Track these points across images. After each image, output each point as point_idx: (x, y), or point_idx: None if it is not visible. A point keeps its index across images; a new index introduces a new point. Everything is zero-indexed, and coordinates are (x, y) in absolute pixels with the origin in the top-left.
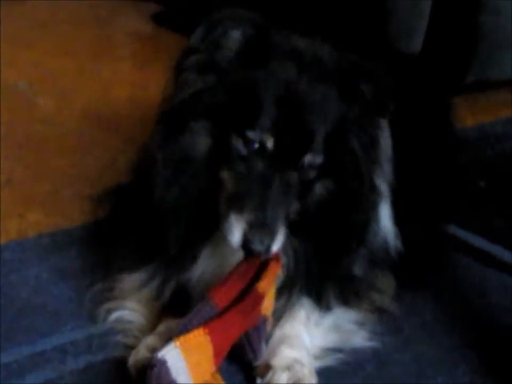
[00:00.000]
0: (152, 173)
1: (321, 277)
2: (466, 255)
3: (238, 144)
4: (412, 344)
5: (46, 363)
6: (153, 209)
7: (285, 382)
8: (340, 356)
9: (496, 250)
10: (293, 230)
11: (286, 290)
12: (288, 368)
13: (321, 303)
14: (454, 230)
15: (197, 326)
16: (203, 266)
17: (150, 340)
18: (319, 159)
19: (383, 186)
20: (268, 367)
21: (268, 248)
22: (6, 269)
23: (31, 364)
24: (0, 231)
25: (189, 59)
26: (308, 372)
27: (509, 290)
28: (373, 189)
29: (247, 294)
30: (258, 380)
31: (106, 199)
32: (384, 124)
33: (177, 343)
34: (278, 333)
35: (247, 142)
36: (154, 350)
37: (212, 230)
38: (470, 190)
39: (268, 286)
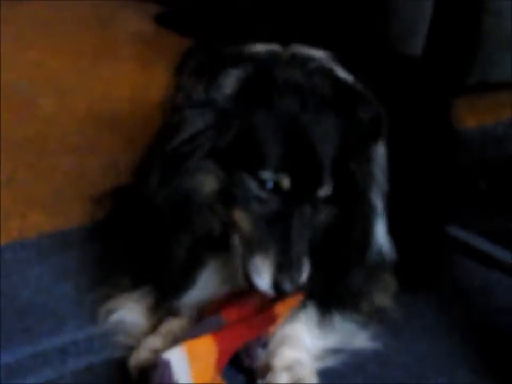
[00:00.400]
0: (149, 213)
1: (324, 294)
2: (467, 256)
3: (251, 185)
4: (413, 345)
5: (46, 363)
6: (153, 242)
7: (285, 382)
8: (341, 356)
9: (498, 251)
10: None
11: None
12: (289, 368)
13: (323, 305)
14: (455, 231)
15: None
16: (198, 292)
17: (151, 340)
18: (330, 190)
19: (378, 199)
20: (268, 368)
21: (298, 285)
22: (7, 269)
23: (32, 364)
24: (1, 231)
25: (188, 98)
26: (308, 372)
27: (510, 292)
28: (369, 204)
29: (262, 311)
30: (259, 381)
31: (107, 200)
32: None
33: (184, 348)
34: (278, 334)
35: (261, 182)
36: (155, 351)
37: (211, 258)
38: (471, 191)
39: (285, 310)
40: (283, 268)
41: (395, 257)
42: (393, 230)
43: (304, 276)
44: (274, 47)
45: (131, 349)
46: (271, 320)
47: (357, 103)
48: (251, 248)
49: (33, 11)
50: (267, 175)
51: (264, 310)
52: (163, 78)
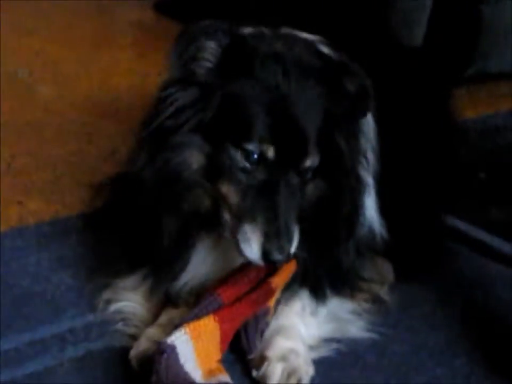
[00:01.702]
0: (139, 191)
1: (316, 268)
2: (466, 246)
3: (237, 157)
4: (411, 335)
5: (45, 351)
6: (145, 221)
7: (280, 372)
8: (339, 346)
9: (496, 242)
10: None
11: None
12: (283, 358)
13: (317, 293)
14: (454, 221)
15: (205, 314)
16: (192, 273)
17: (152, 331)
18: (317, 160)
19: (368, 176)
20: (263, 359)
21: (288, 254)
22: (6, 256)
23: (31, 352)
24: (0, 218)
25: (169, 76)
26: (303, 361)
27: (508, 282)
28: (358, 180)
29: (259, 286)
30: (254, 373)
31: (106, 188)
32: (367, 115)
33: (187, 329)
34: (273, 324)
35: (246, 154)
36: (156, 341)
37: (203, 237)
38: (471, 181)
39: (281, 282)
40: (271, 237)
41: (387, 237)
42: (385, 211)
43: (294, 245)
44: (263, 29)
45: (130, 337)
46: (269, 293)
47: (342, 74)
48: (240, 219)
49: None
50: (252, 146)
51: (261, 285)
52: (162, 66)
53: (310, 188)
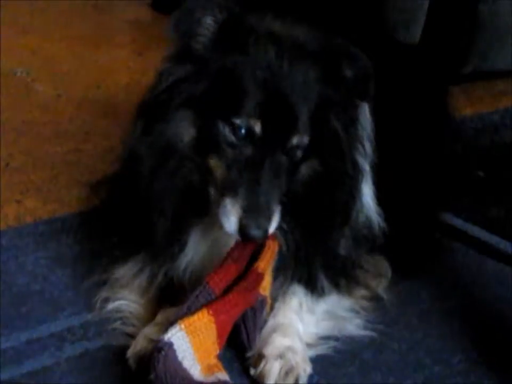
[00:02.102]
0: (134, 164)
1: (310, 256)
2: (463, 244)
3: (225, 131)
4: (409, 333)
5: (43, 349)
6: (140, 200)
7: (277, 370)
8: (336, 344)
9: (494, 239)
10: (282, 211)
11: (279, 273)
12: (281, 356)
13: (314, 286)
14: (451, 219)
15: (198, 309)
16: (190, 254)
17: (149, 330)
18: (305, 140)
19: (365, 164)
20: (260, 357)
21: (265, 232)
22: (4, 255)
23: (28, 350)
24: None
25: (165, 51)
26: (300, 359)
27: (505, 280)
28: (354, 166)
29: (247, 274)
30: (252, 371)
31: (103, 186)
32: (364, 106)
33: (182, 326)
34: (270, 322)
35: (234, 129)
36: (153, 340)
37: (198, 217)
38: (468, 179)
39: (267, 265)
40: (250, 212)
41: (385, 227)
42: (383, 208)
43: (273, 223)
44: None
45: (128, 336)
46: (258, 278)
47: (341, 58)
48: (222, 193)
49: None
50: (239, 120)
51: (248, 273)
52: (159, 64)
53: (303, 168)
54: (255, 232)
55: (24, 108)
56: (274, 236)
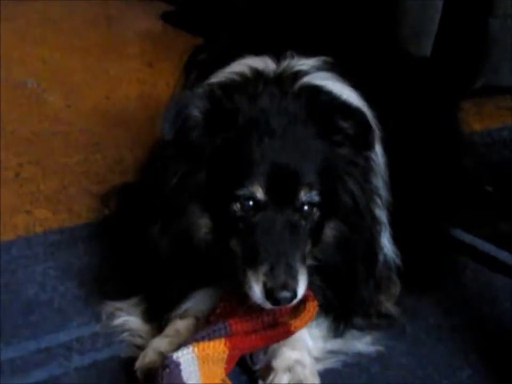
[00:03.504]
0: (154, 255)
1: (338, 309)
2: (472, 259)
3: (234, 209)
4: (417, 348)
5: (51, 359)
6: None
7: (286, 383)
8: (344, 358)
9: (503, 255)
10: (312, 274)
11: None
12: (290, 369)
13: (337, 327)
14: (460, 234)
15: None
16: (193, 304)
17: (158, 342)
18: (315, 197)
19: (382, 214)
20: (269, 369)
21: (294, 292)
22: (13, 265)
23: (36, 360)
24: (6, 227)
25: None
26: (309, 373)
27: None
28: (373, 220)
29: (279, 325)
30: (260, 383)
31: (113, 197)
32: (375, 149)
33: (195, 349)
34: None
35: (241, 203)
36: (161, 352)
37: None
38: (477, 194)
39: (301, 326)
40: (273, 275)
41: (401, 265)
42: (397, 237)
43: (301, 282)
44: (264, 60)
45: (136, 347)
46: (286, 334)
47: (332, 112)
48: (244, 269)
49: (41, 8)
50: (242, 192)
51: (280, 325)
52: (170, 76)
53: (328, 229)
54: (283, 294)
55: (34, 118)
56: (314, 299)
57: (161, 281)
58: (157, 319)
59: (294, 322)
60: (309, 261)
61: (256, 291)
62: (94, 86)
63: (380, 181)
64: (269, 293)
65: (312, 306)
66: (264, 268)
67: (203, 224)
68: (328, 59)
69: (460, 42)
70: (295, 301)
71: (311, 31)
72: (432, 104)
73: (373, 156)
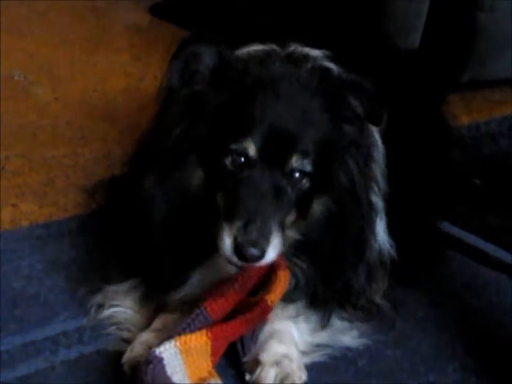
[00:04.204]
0: (147, 208)
1: (324, 294)
2: (460, 252)
3: (226, 163)
4: (404, 340)
5: (37, 353)
6: (146, 239)
7: (273, 377)
8: (331, 351)
9: (490, 248)
10: (297, 251)
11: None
12: (277, 363)
13: (323, 316)
14: (448, 227)
15: (196, 329)
16: (191, 288)
17: (145, 336)
18: (307, 166)
19: (378, 201)
20: (256, 363)
21: (263, 252)
22: None
23: (23, 354)
24: None
25: (173, 97)
26: (296, 367)
27: (501, 288)
28: (370, 206)
29: (256, 304)
30: (247, 376)
31: (100, 191)
32: (376, 138)
33: (177, 343)
34: (267, 328)
35: (233, 158)
36: (149, 347)
37: (205, 257)
38: (465, 188)
39: (277, 298)
40: (245, 231)
41: (395, 256)
42: (391, 229)
43: (273, 246)
44: (271, 46)
45: (122, 341)
46: (266, 311)
47: (344, 88)
48: (222, 220)
49: (28, 1)
50: (235, 145)
51: (257, 303)
52: (157, 69)
53: (316, 204)
54: (252, 251)
55: (21, 111)
56: (285, 268)
57: (156, 258)
58: (152, 304)
59: (269, 297)
60: (294, 234)
61: (226, 244)
62: (81, 79)
63: (378, 169)
64: (238, 248)
65: (284, 275)
66: (238, 223)
67: (197, 177)
68: (327, 52)
69: (447, 36)
70: (263, 261)
71: (297, 26)
72: (419, 97)
73: (374, 147)
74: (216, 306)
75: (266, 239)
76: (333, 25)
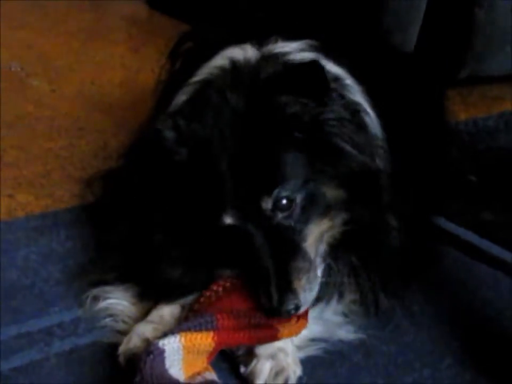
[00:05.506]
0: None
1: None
2: (454, 248)
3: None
4: (399, 335)
5: (32, 344)
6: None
7: (268, 370)
8: (326, 345)
9: (484, 244)
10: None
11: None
12: (272, 356)
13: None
14: (443, 223)
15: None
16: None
17: (142, 327)
18: (286, 190)
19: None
20: (251, 356)
21: (296, 306)
22: None
23: (17, 345)
24: None
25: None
26: (291, 360)
27: (496, 284)
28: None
29: (267, 328)
30: (242, 369)
31: (96, 183)
32: (363, 104)
33: (182, 340)
34: None
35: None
36: (146, 339)
37: (203, 257)
38: (461, 183)
39: (288, 336)
40: (282, 305)
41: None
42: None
43: (307, 299)
44: (245, 49)
45: (118, 332)
46: (272, 339)
47: (274, 93)
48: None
49: None
50: (219, 223)
51: (268, 328)
52: (155, 62)
53: (328, 192)
54: (286, 310)
55: (18, 103)
56: (306, 316)
57: (155, 257)
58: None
59: (282, 330)
60: (334, 235)
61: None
62: (78, 71)
63: (379, 141)
64: (273, 312)
65: (302, 323)
66: (263, 290)
67: None
68: (313, 42)
69: (446, 32)
70: (300, 311)
71: (293, 18)
72: (417, 93)
73: (364, 114)
74: (227, 323)
75: (295, 294)
76: (331, 18)
